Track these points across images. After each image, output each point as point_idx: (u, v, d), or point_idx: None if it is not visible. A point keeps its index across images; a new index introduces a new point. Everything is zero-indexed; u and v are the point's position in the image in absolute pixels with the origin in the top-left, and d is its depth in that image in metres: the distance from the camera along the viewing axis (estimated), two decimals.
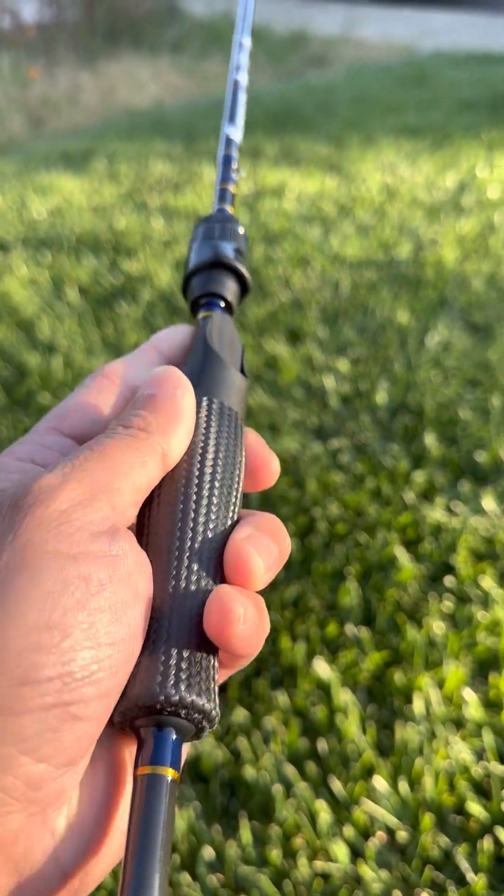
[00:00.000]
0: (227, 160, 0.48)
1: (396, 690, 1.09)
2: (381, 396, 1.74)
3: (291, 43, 7.02)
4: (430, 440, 1.58)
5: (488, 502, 1.42)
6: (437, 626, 1.18)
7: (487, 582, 1.25)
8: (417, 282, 2.25)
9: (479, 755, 1.01)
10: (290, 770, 1.00)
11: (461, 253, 2.41)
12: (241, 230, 0.45)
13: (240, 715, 1.07)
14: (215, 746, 1.04)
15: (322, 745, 1.03)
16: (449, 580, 1.26)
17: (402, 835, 0.93)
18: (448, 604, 1.22)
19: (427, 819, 0.93)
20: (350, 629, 1.18)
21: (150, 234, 2.69)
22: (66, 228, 2.77)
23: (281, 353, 1.94)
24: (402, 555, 1.31)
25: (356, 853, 0.92)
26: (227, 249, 0.43)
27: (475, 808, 0.94)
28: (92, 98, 5.40)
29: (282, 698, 1.09)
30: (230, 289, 0.43)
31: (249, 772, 1.00)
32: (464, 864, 0.89)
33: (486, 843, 0.90)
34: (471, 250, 2.42)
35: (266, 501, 1.48)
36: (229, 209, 0.47)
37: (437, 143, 3.58)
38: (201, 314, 0.41)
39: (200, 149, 3.76)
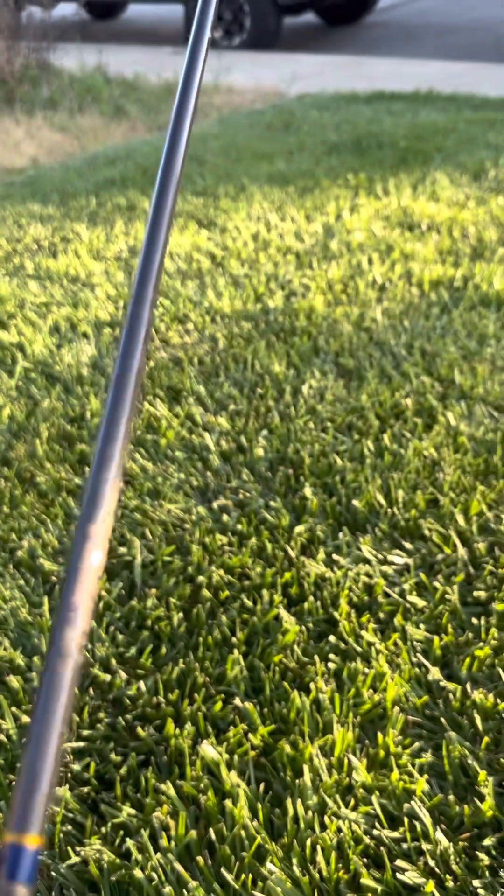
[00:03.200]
0: None
1: (285, 765, 1.08)
2: (260, 451, 1.74)
3: (165, 92, 7.13)
4: (308, 492, 1.59)
5: (366, 549, 1.44)
6: (323, 689, 1.17)
7: (369, 635, 1.25)
8: (291, 330, 2.28)
9: (372, 823, 1.00)
10: (181, 868, 0.96)
11: (331, 298, 2.47)
12: None
13: (127, 813, 1.03)
14: (102, 850, 0.99)
15: (213, 834, 1.00)
16: (332, 637, 1.26)
17: None
18: (332, 664, 1.21)
19: None
20: (237, 703, 1.16)
21: (25, 298, 2.64)
22: None
23: (162, 413, 1.93)
24: (286, 616, 1.30)
25: None
26: None
27: (369, 882, 0.93)
28: None
29: (167, 788, 1.05)
30: None
31: (140, 875, 0.96)
32: None
33: None
34: (340, 295, 2.49)
35: (151, 574, 1.45)
36: None
37: (308, 189, 3.68)
38: None
39: (76, 206, 3.75)
